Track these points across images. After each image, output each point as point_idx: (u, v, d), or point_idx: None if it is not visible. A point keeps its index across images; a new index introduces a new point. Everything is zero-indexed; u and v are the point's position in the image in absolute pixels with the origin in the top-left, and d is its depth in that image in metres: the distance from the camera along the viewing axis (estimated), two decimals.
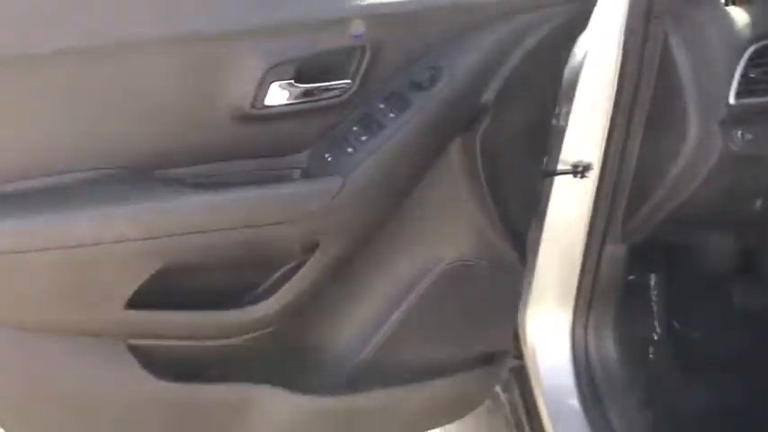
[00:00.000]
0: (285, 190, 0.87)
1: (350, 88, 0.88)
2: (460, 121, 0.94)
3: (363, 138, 0.89)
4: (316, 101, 0.87)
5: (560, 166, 1.13)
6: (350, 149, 0.89)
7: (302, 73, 0.84)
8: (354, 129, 0.90)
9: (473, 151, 0.95)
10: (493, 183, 1.00)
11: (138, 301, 0.85)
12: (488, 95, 0.93)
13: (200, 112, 0.83)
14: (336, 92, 0.88)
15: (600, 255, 1.22)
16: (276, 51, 0.82)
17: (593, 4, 0.95)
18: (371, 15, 0.85)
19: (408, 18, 0.87)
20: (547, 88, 1.00)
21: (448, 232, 1.04)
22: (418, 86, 0.89)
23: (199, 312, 0.91)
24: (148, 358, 0.91)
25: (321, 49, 0.85)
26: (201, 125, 0.84)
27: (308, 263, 0.91)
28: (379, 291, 1.05)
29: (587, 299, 1.27)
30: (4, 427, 0.90)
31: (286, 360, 1.02)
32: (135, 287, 0.84)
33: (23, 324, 0.83)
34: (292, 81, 0.84)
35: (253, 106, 0.84)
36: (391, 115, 0.89)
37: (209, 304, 0.92)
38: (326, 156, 0.90)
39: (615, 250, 1.22)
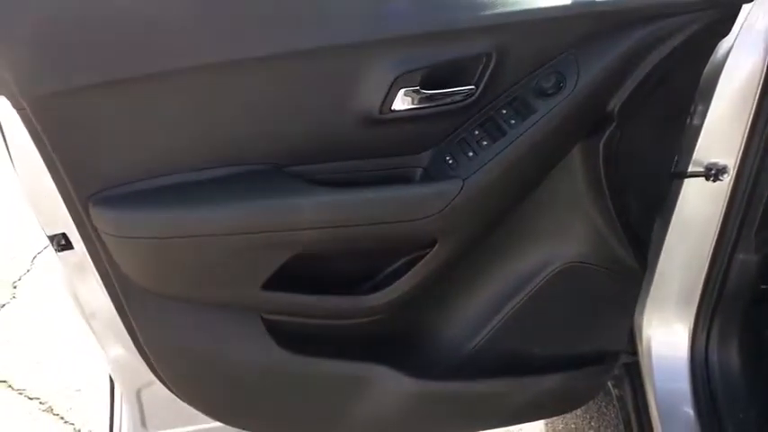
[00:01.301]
0: (407, 191, 0.93)
1: (473, 93, 0.90)
2: (584, 127, 0.93)
3: (484, 142, 0.91)
4: (439, 105, 0.90)
5: (692, 168, 1.08)
6: (470, 153, 0.92)
7: (428, 79, 0.88)
8: (476, 132, 0.93)
9: (596, 158, 0.95)
10: (615, 189, 0.99)
11: (272, 283, 0.95)
12: (616, 102, 0.91)
13: (332, 117, 0.90)
14: (460, 97, 0.91)
15: (729, 262, 1.16)
16: (405, 61, 0.86)
17: (738, 8, 0.89)
18: (498, 24, 0.86)
19: (536, 26, 0.87)
20: (682, 94, 0.96)
21: (566, 233, 1.05)
22: (543, 93, 0.90)
23: (325, 297, 1.00)
24: (278, 330, 1.02)
25: (448, 58, 0.87)
26: (333, 128, 0.91)
27: (425, 258, 0.97)
28: (493, 284, 1.09)
29: (712, 304, 1.22)
30: (158, 375, 1.06)
31: (400, 343, 1.10)
32: (270, 272, 0.94)
33: (182, 296, 0.96)
34: (418, 87, 0.88)
35: (380, 112, 0.89)
36: (513, 121, 0.90)
37: (334, 288, 1.00)
38: (447, 158, 0.94)
39: (746, 259, 1.15)
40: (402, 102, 0.89)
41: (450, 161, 0.93)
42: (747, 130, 1.03)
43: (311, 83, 0.87)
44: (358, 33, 0.85)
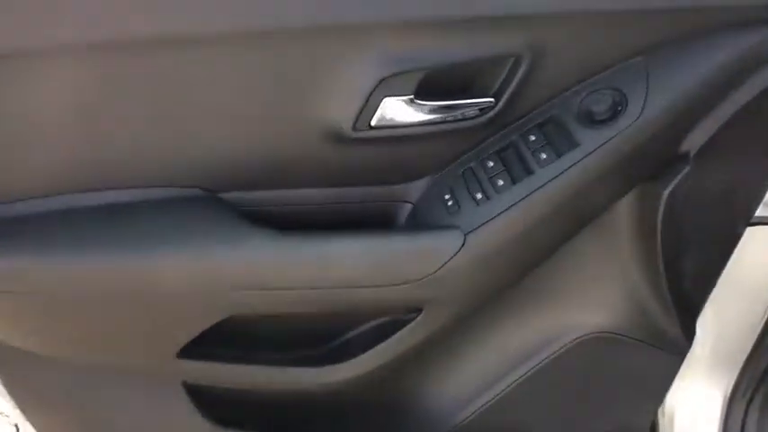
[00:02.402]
0: (385, 244, 0.65)
1: (490, 109, 0.63)
2: (645, 171, 0.66)
3: (500, 181, 0.64)
4: (440, 123, 0.63)
5: (762, 212, 0.82)
6: (479, 195, 0.64)
7: (426, 86, 0.60)
8: (490, 164, 0.65)
9: (654, 209, 0.68)
10: (672, 247, 0.73)
11: (194, 349, 0.69)
12: (694, 140, 0.64)
13: (286, 129, 0.62)
14: (472, 112, 0.63)
15: None
16: (394, 58, 0.58)
17: None
18: (535, 15, 0.58)
19: (591, 20, 0.59)
20: None
21: (595, 297, 0.79)
22: (591, 118, 0.62)
23: (270, 368, 0.74)
24: (205, 397, 0.76)
25: (457, 59, 0.59)
26: (288, 145, 0.64)
27: (406, 328, 0.71)
28: (495, 350, 0.83)
29: (759, 373, 0.99)
30: None
31: (369, 416, 0.85)
32: (190, 338, 0.68)
33: (65, 360, 0.70)
34: (412, 96, 0.61)
35: (355, 128, 0.61)
36: (544, 155, 0.63)
37: (282, 354, 0.75)
38: (446, 196, 0.66)
39: None
40: (386, 114, 0.61)
41: (450, 202, 0.66)
42: None
43: (258, 79, 0.59)
44: (327, 14, 0.56)
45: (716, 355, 1.00)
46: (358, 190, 0.69)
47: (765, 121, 0.64)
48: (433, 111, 0.62)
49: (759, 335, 0.99)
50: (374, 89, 0.59)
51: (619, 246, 0.74)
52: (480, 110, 0.63)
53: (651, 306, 0.79)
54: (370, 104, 0.60)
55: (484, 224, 0.63)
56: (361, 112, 0.60)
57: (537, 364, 0.83)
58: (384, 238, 0.65)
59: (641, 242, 0.73)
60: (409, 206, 0.70)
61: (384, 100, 0.60)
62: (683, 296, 0.79)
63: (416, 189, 0.69)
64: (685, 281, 0.78)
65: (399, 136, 0.63)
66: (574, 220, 0.67)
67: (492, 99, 0.63)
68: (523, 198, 0.62)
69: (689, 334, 0.84)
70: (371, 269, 0.64)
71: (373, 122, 0.62)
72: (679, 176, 0.65)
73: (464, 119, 0.63)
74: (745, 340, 1.00)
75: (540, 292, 0.78)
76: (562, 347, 0.82)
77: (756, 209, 0.77)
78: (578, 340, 0.81)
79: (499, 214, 0.63)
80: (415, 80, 0.59)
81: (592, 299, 0.79)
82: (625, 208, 0.70)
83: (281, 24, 0.56)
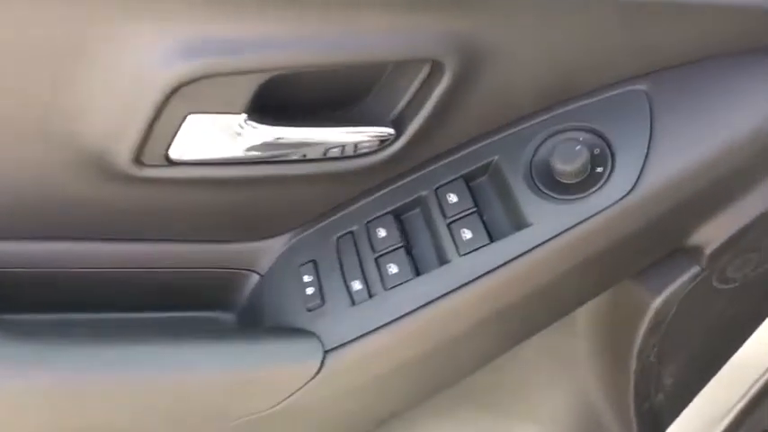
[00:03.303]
0: (195, 361, 0.39)
1: (388, 144, 0.37)
2: (630, 268, 0.41)
3: (393, 269, 0.38)
4: (298, 161, 0.37)
5: None
6: (357, 285, 0.38)
7: (269, 100, 0.34)
8: (381, 234, 0.39)
9: (638, 316, 0.44)
10: (650, 358, 0.50)
11: None
12: (715, 230, 0.39)
13: (23, 147, 0.35)
14: (366, 146, 0.37)
15: None
16: (204, 49, 0.31)
17: None
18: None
19: (558, 17, 0.33)
20: None
21: (538, 404, 0.57)
22: (549, 179, 0.36)
23: None
24: None
25: (324, 60, 0.33)
26: (26, 172, 0.36)
27: None
28: None
29: None
30: None
31: None
32: None
33: None
34: (244, 116, 0.34)
35: (138, 160, 0.34)
36: (468, 234, 0.37)
37: None
38: (307, 278, 0.40)
39: None
40: (197, 142, 0.35)
41: (311, 288, 0.40)
42: None
43: None
44: None
45: (696, 420, 0.84)
46: (168, 247, 0.42)
47: None
48: (283, 142, 0.36)
49: (747, 403, 0.82)
50: (167, 100, 0.32)
51: (575, 349, 0.50)
52: (372, 147, 0.37)
53: (607, 421, 0.57)
54: (161, 125, 0.33)
55: (357, 339, 0.37)
56: (146, 138, 0.33)
57: None
58: (193, 346, 0.39)
59: (608, 350, 0.49)
60: (255, 277, 0.44)
61: (188, 118, 0.33)
62: (652, 413, 0.57)
63: (265, 252, 0.43)
64: (658, 396, 0.56)
65: (225, 180, 0.37)
66: (507, 337, 0.42)
67: (391, 130, 0.37)
68: (427, 304, 0.37)
69: None
70: (169, 402, 0.38)
71: (174, 154, 0.35)
72: (681, 280, 0.40)
73: (339, 158, 0.37)
74: (726, 407, 0.84)
75: (469, 395, 0.55)
76: None
77: None
78: None
79: (385, 326, 0.37)
80: (245, 89, 0.33)
81: (534, 407, 0.56)
82: (591, 305, 0.45)
83: None
